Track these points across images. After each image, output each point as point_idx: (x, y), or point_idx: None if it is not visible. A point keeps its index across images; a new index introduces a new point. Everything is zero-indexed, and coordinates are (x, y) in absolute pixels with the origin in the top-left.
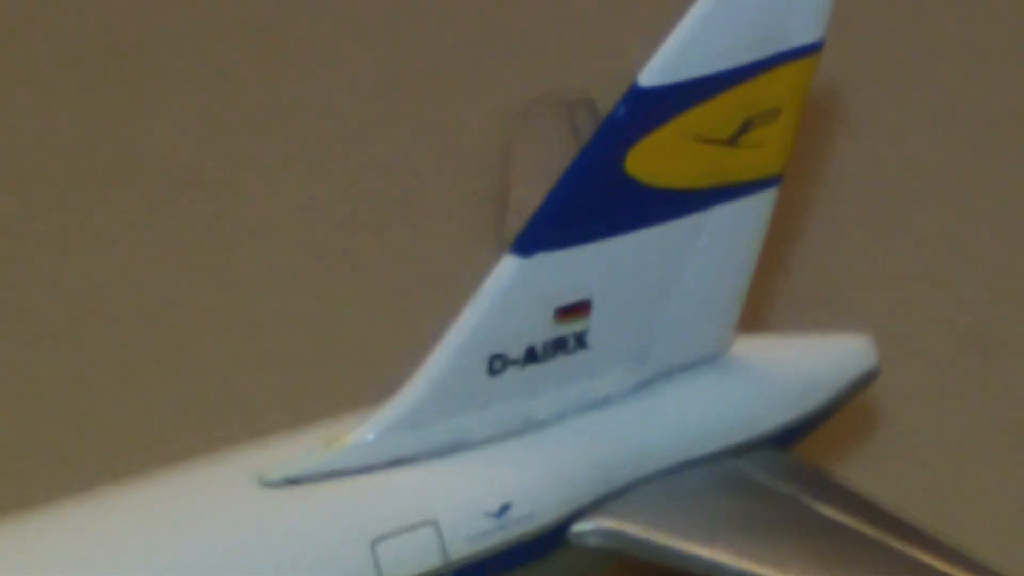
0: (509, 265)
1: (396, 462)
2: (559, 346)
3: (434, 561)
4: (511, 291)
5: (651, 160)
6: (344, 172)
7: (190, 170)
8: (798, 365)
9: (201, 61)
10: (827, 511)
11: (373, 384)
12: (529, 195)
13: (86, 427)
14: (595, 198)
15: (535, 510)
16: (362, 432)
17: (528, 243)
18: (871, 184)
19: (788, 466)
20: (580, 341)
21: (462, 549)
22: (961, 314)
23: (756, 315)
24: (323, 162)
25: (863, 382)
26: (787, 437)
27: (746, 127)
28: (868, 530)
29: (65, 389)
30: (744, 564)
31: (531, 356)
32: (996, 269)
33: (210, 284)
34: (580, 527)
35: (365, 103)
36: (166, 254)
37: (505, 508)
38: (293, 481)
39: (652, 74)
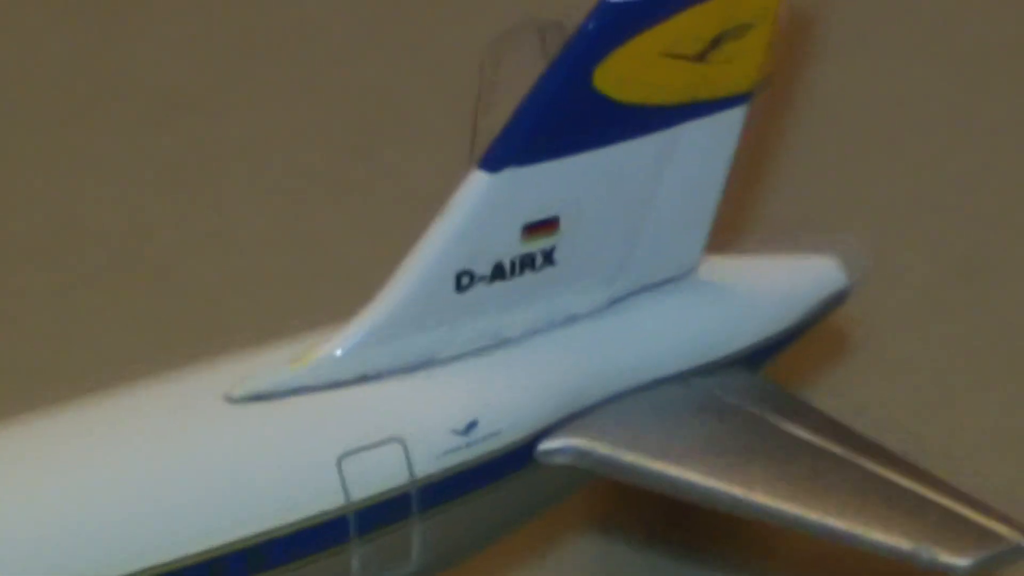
0: (477, 181)
1: (363, 378)
2: (527, 263)
3: (400, 478)
4: (478, 207)
5: (619, 76)
6: (329, 96)
7: (178, 92)
8: (767, 285)
9: None
10: (795, 431)
11: (357, 304)
12: (499, 118)
13: (69, 344)
14: (563, 113)
15: (502, 428)
16: (329, 348)
17: (496, 159)
18: (851, 106)
19: (757, 387)
20: (548, 258)
21: (428, 466)
22: (944, 240)
23: (731, 238)
24: (310, 86)
25: (834, 302)
26: (757, 357)
27: (716, 43)
28: (835, 449)
29: (47, 306)
30: (711, 482)
31: (499, 273)
32: (980, 195)
33: (196, 204)
34: (547, 445)
35: (351, 28)
36: (152, 174)
37: (472, 425)
38: (259, 397)
39: None
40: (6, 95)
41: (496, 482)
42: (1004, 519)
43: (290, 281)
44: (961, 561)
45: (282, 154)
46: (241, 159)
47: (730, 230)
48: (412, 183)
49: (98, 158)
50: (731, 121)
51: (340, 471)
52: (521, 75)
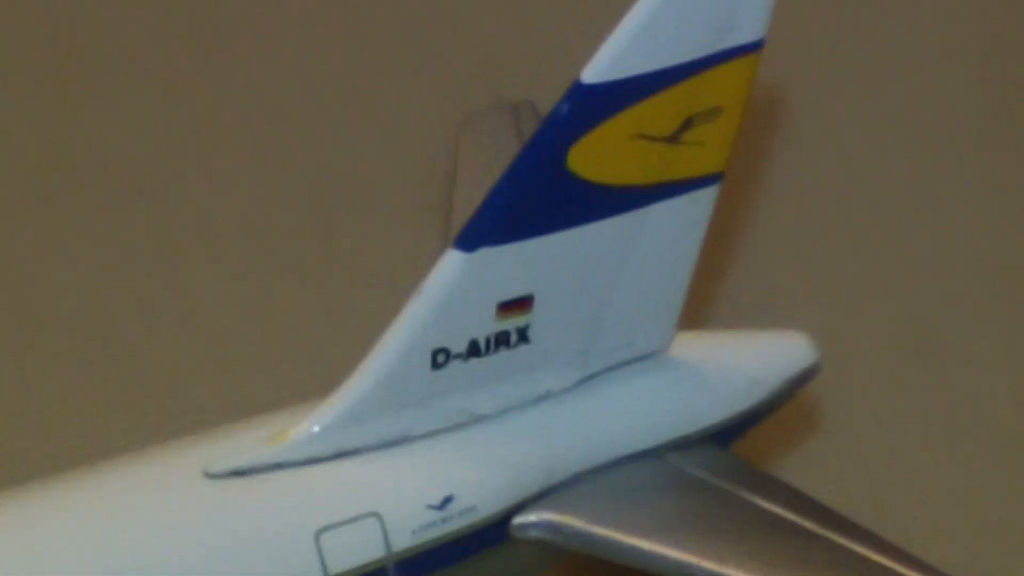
0: (452, 260)
1: (340, 454)
2: (502, 340)
3: (377, 552)
4: (454, 285)
5: (593, 157)
6: (293, 177)
7: (140, 176)
8: (738, 362)
9: (150, 66)
10: (765, 506)
11: (324, 386)
12: (475, 197)
13: (34, 428)
14: (537, 194)
15: (477, 503)
16: (307, 425)
17: (471, 238)
18: (812, 188)
19: (727, 463)
20: (522, 336)
21: (405, 541)
22: (900, 318)
23: (698, 316)
24: (272, 168)
25: (802, 379)
26: (727, 434)
27: (687, 124)
28: (805, 524)
29: (13, 389)
30: (683, 556)
31: (474, 350)
32: (935, 274)
33: (159, 288)
34: (522, 519)
35: (315, 109)
36: (115, 258)
37: (448, 500)
38: (238, 473)
39: (594, 71)
40: None
41: (472, 556)
42: None
43: (253, 363)
44: None
45: (246, 237)
46: (205, 241)
47: (701, 306)
48: (379, 264)
49: (60, 241)
50: (702, 201)
51: (318, 545)
52: (494, 154)
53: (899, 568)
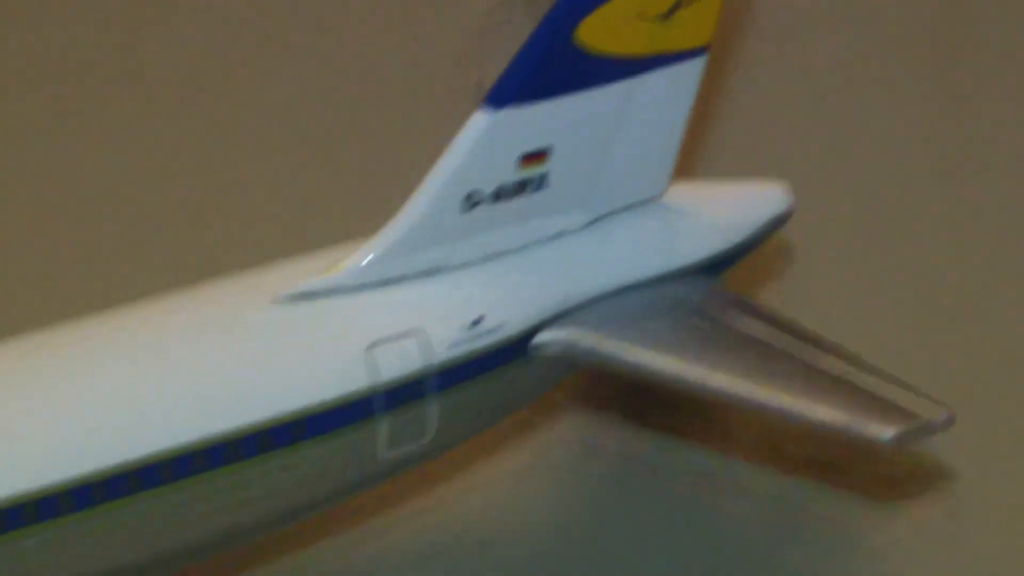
0: (481, 118)
1: (387, 282)
2: (523, 186)
3: (419, 363)
4: (483, 140)
5: (598, 32)
6: (350, 61)
7: (197, 74)
8: (724, 206)
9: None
10: (748, 328)
11: (373, 226)
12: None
13: (109, 289)
14: (552, 62)
15: (503, 323)
16: (359, 257)
17: (497, 99)
18: (786, 62)
19: (715, 291)
20: (541, 183)
21: (443, 354)
22: (866, 185)
23: (690, 165)
24: (328, 47)
25: (780, 221)
26: (715, 267)
27: (678, 6)
28: (782, 341)
29: (92, 257)
30: (678, 368)
31: (499, 194)
32: (891, 147)
33: (222, 154)
34: (541, 338)
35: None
36: (181, 137)
37: (478, 321)
38: (302, 297)
39: None
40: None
41: (498, 368)
42: (924, 398)
43: (314, 218)
44: (885, 433)
45: (308, 98)
46: (261, 126)
47: (693, 160)
48: (421, 132)
49: (120, 137)
50: (691, 69)
51: (370, 357)
52: (513, 35)
53: (866, 379)
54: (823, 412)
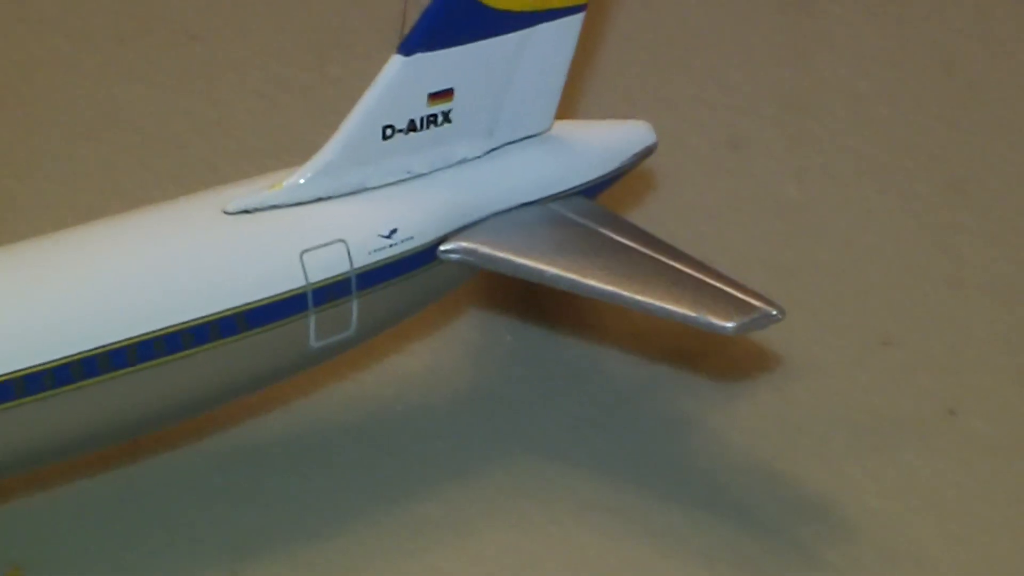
0: (396, 62)
1: (317, 199)
2: (431, 120)
3: (343, 267)
4: (398, 80)
5: None
6: (298, 24)
7: (189, 24)
8: (600, 139)
9: None
10: (617, 238)
11: (309, 152)
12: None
13: (108, 196)
14: (455, 15)
15: (415, 234)
16: (294, 178)
17: (409, 46)
18: (653, 20)
19: (592, 209)
20: (446, 117)
21: (363, 260)
22: (720, 123)
23: (572, 105)
24: (283, 17)
25: (645, 153)
26: (592, 190)
27: None
28: (645, 249)
29: (98, 174)
30: (559, 271)
31: (412, 126)
32: (749, 88)
33: (200, 101)
34: (446, 247)
35: None
36: (169, 81)
37: (393, 231)
38: (246, 211)
39: None
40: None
41: (410, 273)
42: (760, 297)
43: (265, 153)
44: (728, 324)
45: (263, 68)
46: (234, 71)
47: (572, 102)
48: (353, 74)
49: (129, 69)
50: (572, 23)
51: (302, 262)
52: None
53: (713, 281)
54: (678, 307)
